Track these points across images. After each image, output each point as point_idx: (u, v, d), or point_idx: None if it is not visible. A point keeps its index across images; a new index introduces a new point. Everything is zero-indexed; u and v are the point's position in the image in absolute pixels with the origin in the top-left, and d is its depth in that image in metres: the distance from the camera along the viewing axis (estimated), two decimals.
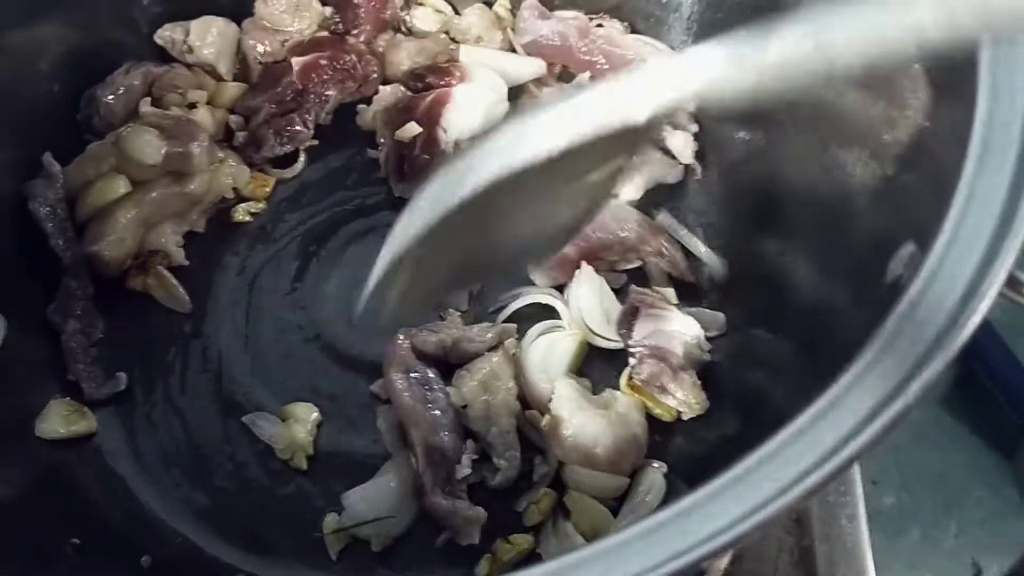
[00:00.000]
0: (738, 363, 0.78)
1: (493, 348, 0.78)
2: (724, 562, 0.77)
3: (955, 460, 1.11)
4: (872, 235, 0.53)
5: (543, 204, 0.44)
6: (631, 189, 0.84)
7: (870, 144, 0.60)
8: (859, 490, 0.81)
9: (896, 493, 1.07)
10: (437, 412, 0.75)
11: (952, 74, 0.49)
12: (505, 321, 0.82)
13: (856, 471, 0.82)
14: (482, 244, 0.47)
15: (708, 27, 0.87)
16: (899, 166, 0.56)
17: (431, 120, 0.84)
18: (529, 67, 0.89)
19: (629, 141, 0.39)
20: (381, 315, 0.51)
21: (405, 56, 0.90)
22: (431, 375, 0.77)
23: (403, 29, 0.93)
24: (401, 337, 0.77)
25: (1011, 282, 0.41)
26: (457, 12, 0.94)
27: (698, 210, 0.87)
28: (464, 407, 0.76)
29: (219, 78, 0.90)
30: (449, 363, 0.78)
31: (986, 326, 1.23)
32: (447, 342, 0.77)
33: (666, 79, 0.37)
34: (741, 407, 0.75)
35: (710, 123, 0.87)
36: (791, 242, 0.74)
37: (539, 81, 0.89)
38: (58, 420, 0.76)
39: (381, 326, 0.74)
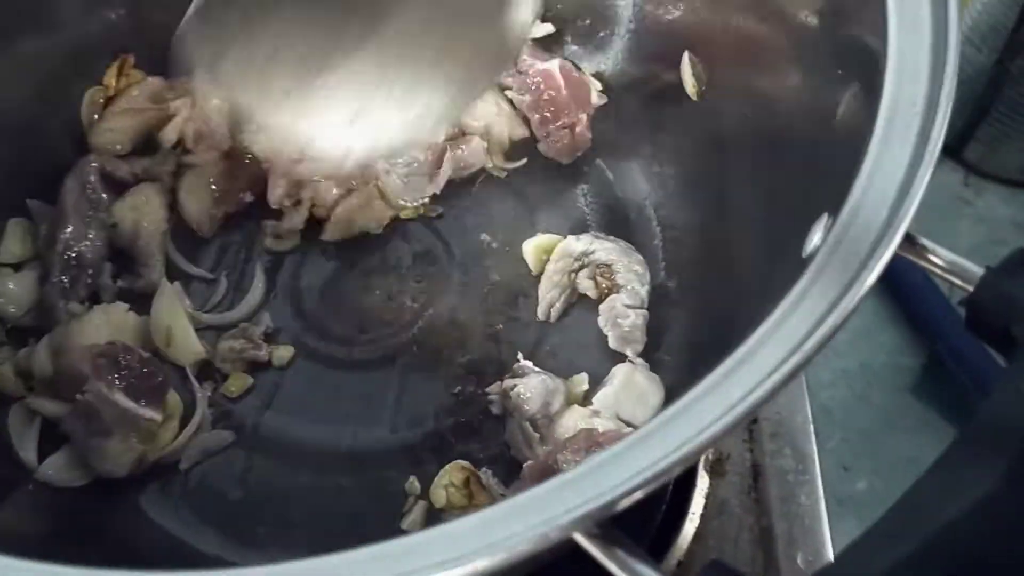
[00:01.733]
0: None
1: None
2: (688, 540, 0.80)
3: (925, 445, 1.13)
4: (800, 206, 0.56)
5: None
6: None
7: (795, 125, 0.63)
8: (816, 468, 0.84)
9: (868, 478, 1.09)
10: (92, 231, 0.85)
11: (862, 60, 0.53)
12: None
13: (814, 449, 0.85)
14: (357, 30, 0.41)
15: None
16: (817, 143, 0.59)
17: None
18: None
19: None
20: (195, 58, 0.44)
21: None
22: (106, 201, 0.86)
23: None
24: (97, 156, 0.87)
25: (909, 240, 0.44)
26: None
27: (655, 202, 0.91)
28: (114, 225, 0.87)
29: None
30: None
31: (953, 313, 1.26)
32: (138, 171, 0.88)
33: None
34: None
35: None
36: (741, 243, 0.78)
37: None
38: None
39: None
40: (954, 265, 0.44)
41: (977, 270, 0.43)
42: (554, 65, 0.92)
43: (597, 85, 0.93)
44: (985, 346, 1.11)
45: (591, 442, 0.73)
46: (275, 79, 0.46)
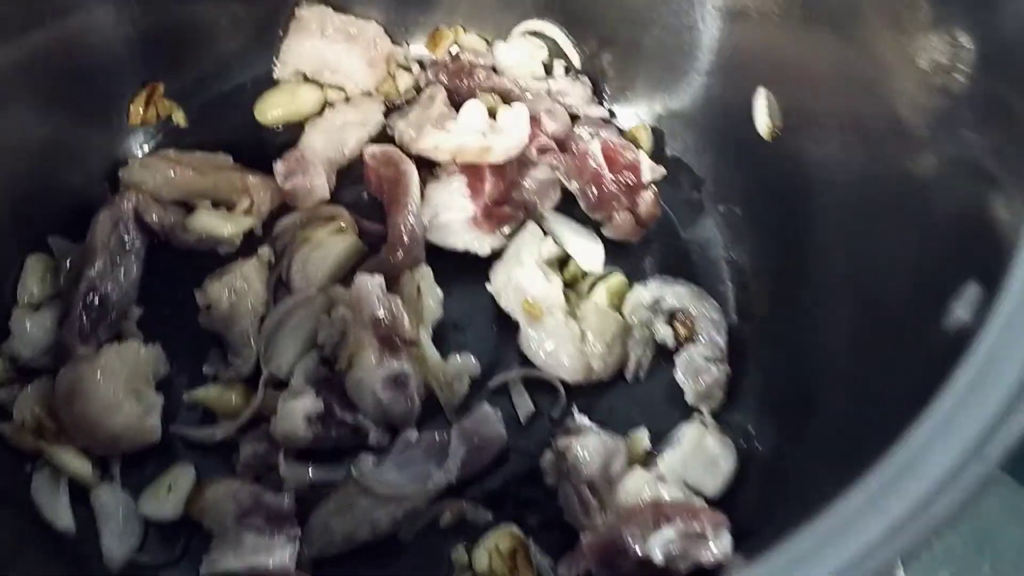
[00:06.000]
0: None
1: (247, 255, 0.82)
2: None
3: (987, 499, 1.06)
4: (921, 274, 0.50)
5: None
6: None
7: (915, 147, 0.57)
8: None
9: None
10: (122, 270, 0.80)
11: None
12: None
13: None
14: None
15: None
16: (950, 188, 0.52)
17: None
18: None
19: None
20: None
21: None
22: (137, 243, 0.82)
23: None
24: (135, 195, 0.82)
25: None
26: None
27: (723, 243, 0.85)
28: (208, 307, 0.80)
29: None
30: (168, 243, 0.84)
31: None
32: (167, 223, 0.83)
33: None
34: None
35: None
36: (825, 289, 0.70)
37: None
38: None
39: None
40: None
41: None
42: (596, 148, 0.84)
43: (647, 162, 0.85)
44: None
45: (659, 515, 0.66)
46: None
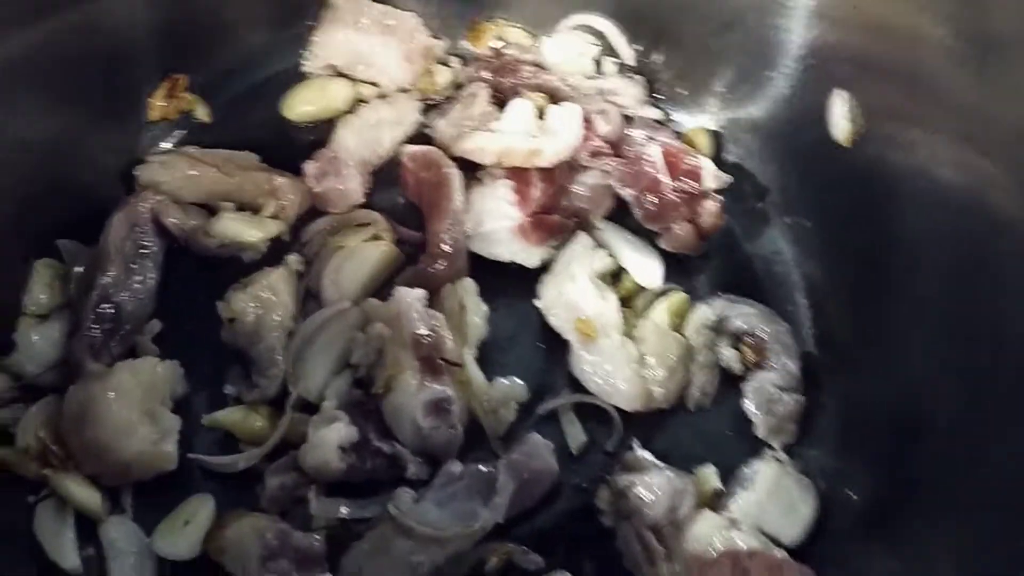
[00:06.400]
0: None
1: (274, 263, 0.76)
2: None
3: None
4: None
5: None
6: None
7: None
8: None
9: None
10: (138, 278, 0.74)
11: None
12: None
13: None
14: None
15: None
16: None
17: None
18: None
19: None
20: None
21: None
22: (155, 248, 0.76)
23: None
24: (153, 196, 0.76)
25: None
26: None
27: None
28: (231, 320, 0.73)
29: None
30: (188, 249, 0.77)
31: None
32: (187, 227, 0.76)
33: None
34: None
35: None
36: (922, 313, 0.63)
37: None
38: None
39: None
40: None
41: None
42: (655, 152, 0.76)
43: (710, 167, 0.78)
44: None
45: (738, 568, 0.59)
46: None
